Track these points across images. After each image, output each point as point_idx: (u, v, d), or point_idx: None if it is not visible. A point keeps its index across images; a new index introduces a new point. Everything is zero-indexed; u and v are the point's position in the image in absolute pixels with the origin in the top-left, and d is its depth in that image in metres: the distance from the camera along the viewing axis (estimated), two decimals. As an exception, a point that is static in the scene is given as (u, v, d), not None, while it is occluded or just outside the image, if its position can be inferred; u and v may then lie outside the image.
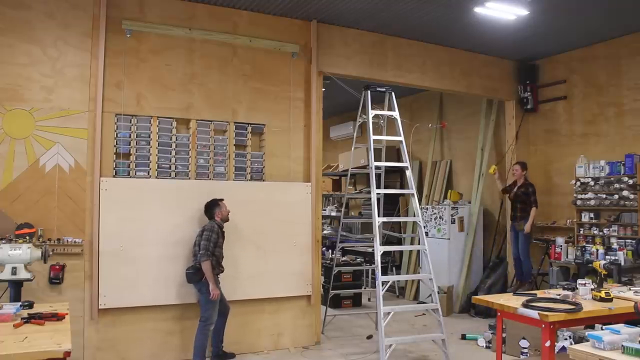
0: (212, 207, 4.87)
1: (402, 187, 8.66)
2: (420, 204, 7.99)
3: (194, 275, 4.66)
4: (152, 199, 4.86)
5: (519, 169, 6.58)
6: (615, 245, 5.74)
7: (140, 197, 4.82)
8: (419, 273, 7.71)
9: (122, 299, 4.68)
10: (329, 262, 7.25)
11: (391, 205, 8.76)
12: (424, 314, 6.81)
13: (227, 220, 4.91)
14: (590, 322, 3.57)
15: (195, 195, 4.98)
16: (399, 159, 6.93)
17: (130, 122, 4.88)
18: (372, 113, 5.47)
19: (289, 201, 5.47)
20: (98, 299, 4.59)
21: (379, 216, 5.28)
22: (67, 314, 3.03)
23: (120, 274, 4.67)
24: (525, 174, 6.56)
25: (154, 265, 4.81)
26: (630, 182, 5.73)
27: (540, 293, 3.98)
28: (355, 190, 9.99)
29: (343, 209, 7.10)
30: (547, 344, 3.31)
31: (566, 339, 4.88)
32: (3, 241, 3.91)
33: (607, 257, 5.49)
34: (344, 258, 7.74)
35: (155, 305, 4.84)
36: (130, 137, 4.87)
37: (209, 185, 5.12)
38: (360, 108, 5.91)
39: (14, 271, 3.38)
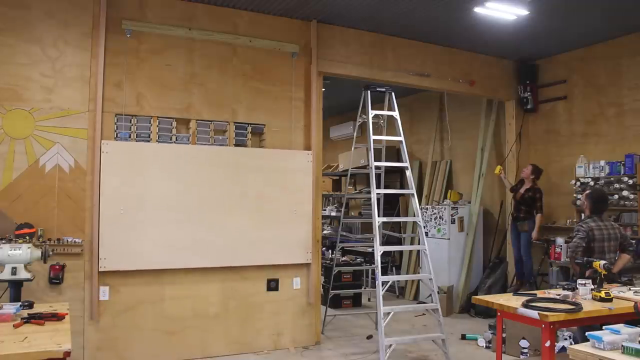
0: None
1: (402, 187, 8.66)
2: (420, 204, 8.00)
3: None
4: (154, 165, 4.89)
5: (529, 167, 6.59)
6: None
7: (144, 164, 4.86)
8: (419, 273, 7.72)
9: (121, 262, 4.69)
10: (329, 262, 7.25)
11: (391, 205, 8.76)
12: (424, 314, 6.81)
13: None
14: (590, 322, 3.57)
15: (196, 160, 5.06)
16: (399, 159, 6.93)
17: (130, 122, 4.88)
18: (372, 113, 5.47)
19: (290, 201, 5.47)
20: (98, 262, 4.59)
21: (379, 216, 5.29)
22: (67, 314, 3.03)
23: (121, 238, 4.69)
24: (534, 178, 6.55)
25: (155, 229, 4.84)
26: (630, 182, 5.73)
27: (540, 293, 3.97)
28: (355, 190, 9.99)
29: (343, 209, 7.10)
30: (547, 344, 3.31)
31: (566, 339, 4.88)
32: (3, 241, 3.91)
33: (607, 257, 5.48)
34: (344, 258, 7.74)
35: (156, 270, 4.86)
36: (130, 137, 4.87)
37: (207, 150, 5.15)
38: (360, 108, 5.91)
39: (13, 271, 3.37)
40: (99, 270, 4.61)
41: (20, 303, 3.11)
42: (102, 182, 4.66)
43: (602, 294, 3.62)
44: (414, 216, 5.45)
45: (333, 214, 10.00)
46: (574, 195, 6.25)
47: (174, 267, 4.92)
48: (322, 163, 5.96)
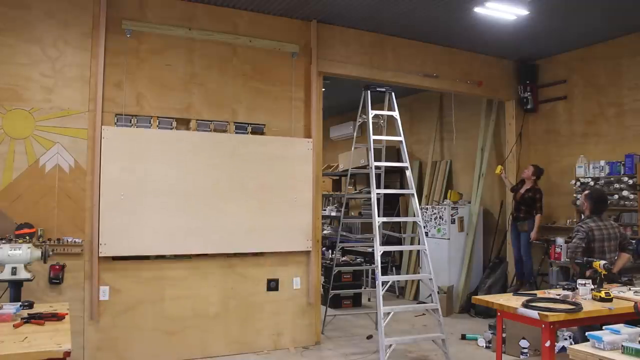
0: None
1: (402, 187, 8.66)
2: (420, 204, 8.00)
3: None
4: (154, 151, 4.90)
5: (531, 168, 6.60)
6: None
7: (144, 150, 4.86)
8: (419, 273, 7.72)
9: (121, 248, 4.70)
10: (329, 262, 7.25)
11: (391, 205, 8.76)
12: (424, 314, 6.81)
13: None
14: (590, 322, 3.57)
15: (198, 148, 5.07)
16: (399, 159, 6.93)
17: (130, 122, 4.88)
18: (372, 113, 5.47)
19: (291, 189, 5.46)
20: (98, 247, 4.60)
21: (379, 216, 5.29)
22: (67, 314, 3.03)
23: (121, 224, 4.70)
24: (535, 178, 6.56)
25: (155, 214, 4.86)
26: (630, 182, 5.73)
27: (540, 293, 3.97)
28: (355, 190, 9.99)
29: (343, 209, 7.10)
30: (547, 344, 3.31)
31: (566, 339, 4.88)
32: (3, 241, 3.91)
33: (607, 257, 5.48)
34: (344, 258, 7.74)
35: (155, 258, 4.88)
36: (130, 137, 4.87)
37: (207, 136, 5.16)
38: (360, 108, 5.91)
39: (13, 271, 3.37)
40: (99, 255, 4.60)
41: (20, 303, 3.11)
42: (102, 168, 4.66)
43: (602, 294, 3.62)
44: (414, 216, 5.45)
45: (333, 214, 10.00)
46: (574, 195, 6.25)
47: (173, 252, 4.93)
48: (322, 160, 5.95)
